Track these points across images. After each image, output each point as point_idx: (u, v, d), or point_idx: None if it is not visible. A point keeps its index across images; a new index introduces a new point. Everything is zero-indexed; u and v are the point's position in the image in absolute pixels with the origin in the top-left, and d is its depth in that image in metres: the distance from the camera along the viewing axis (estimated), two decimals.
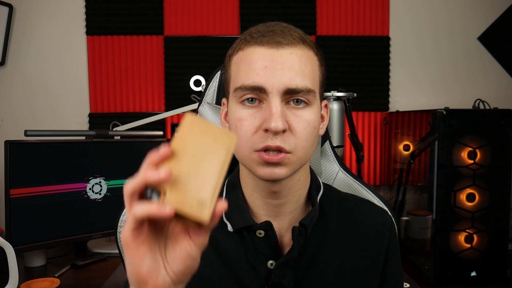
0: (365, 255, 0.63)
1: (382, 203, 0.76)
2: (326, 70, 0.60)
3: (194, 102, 1.57)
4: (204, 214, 0.37)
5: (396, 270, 0.66)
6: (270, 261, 0.58)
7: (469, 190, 1.42)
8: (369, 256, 0.63)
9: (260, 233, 0.58)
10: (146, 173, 0.37)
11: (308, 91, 0.53)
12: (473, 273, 1.44)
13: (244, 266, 0.59)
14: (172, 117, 1.86)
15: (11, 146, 1.26)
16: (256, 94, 0.53)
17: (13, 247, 1.09)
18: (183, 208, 0.37)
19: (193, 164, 0.39)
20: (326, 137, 0.81)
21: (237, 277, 0.59)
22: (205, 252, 0.43)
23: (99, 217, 1.45)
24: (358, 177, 0.80)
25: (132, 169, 0.42)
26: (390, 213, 0.69)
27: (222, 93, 0.77)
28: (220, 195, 0.52)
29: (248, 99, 0.54)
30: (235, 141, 0.41)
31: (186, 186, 0.38)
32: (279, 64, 0.53)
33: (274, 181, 0.55)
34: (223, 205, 0.39)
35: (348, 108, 1.54)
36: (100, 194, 1.45)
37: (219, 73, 0.79)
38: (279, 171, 0.53)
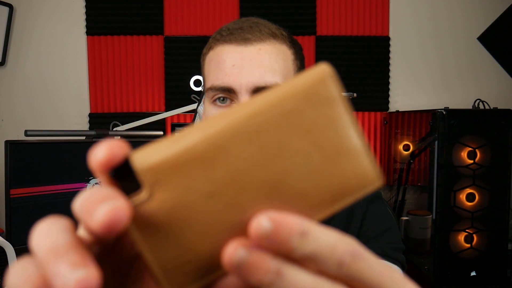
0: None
1: None
2: (303, 63, 0.59)
3: (194, 102, 1.58)
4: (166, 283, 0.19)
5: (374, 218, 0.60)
6: None
7: (469, 190, 1.42)
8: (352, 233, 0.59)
9: None
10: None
11: None
12: (473, 273, 1.44)
13: None
14: (172, 117, 1.86)
15: (11, 146, 1.26)
16: (226, 94, 0.53)
17: (13, 247, 1.09)
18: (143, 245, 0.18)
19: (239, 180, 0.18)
20: None
21: None
22: None
23: None
24: None
25: None
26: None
27: None
28: None
29: (219, 98, 0.54)
30: (375, 185, 0.20)
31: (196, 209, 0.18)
32: (247, 62, 0.52)
33: None
34: None
35: None
36: None
37: None
38: None
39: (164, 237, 0.18)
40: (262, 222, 0.17)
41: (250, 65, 0.52)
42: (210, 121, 0.19)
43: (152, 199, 0.18)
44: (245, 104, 0.19)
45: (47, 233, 0.18)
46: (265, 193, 0.19)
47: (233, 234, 0.19)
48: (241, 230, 0.19)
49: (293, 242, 0.17)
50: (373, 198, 0.62)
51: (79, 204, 0.18)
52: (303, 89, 0.19)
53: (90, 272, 0.16)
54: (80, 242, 0.18)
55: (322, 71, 0.19)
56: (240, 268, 0.17)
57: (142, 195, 0.18)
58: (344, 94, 0.20)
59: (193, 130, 0.19)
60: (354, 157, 0.19)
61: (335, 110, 0.19)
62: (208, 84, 0.55)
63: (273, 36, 0.54)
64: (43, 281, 0.17)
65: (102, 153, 0.18)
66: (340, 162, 0.19)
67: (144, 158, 0.18)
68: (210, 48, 0.56)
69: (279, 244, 0.17)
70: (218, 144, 0.18)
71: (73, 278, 0.16)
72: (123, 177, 0.19)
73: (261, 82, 0.51)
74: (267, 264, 0.17)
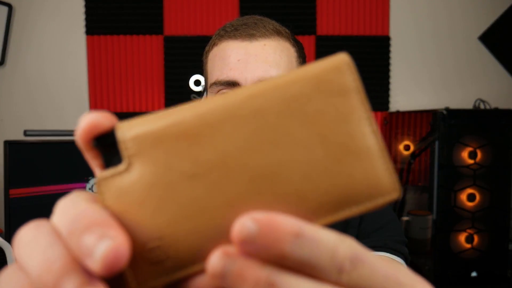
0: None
1: None
2: (305, 61, 0.59)
3: None
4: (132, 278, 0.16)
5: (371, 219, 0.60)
6: None
7: (469, 190, 1.42)
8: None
9: None
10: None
11: None
12: (474, 273, 1.43)
13: None
14: None
15: (11, 146, 1.25)
16: (231, 88, 0.53)
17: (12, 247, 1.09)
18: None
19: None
20: None
21: None
22: None
23: None
24: None
25: None
26: None
27: None
28: None
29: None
30: (389, 197, 0.17)
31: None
32: (253, 57, 0.52)
33: None
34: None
35: None
36: None
37: None
38: None
39: (136, 215, 0.16)
40: (246, 223, 0.15)
41: (255, 60, 0.52)
42: (206, 100, 0.17)
43: (129, 172, 0.17)
44: (248, 86, 0.17)
45: (69, 207, 0.18)
46: (254, 186, 0.16)
47: (213, 230, 0.16)
48: (222, 228, 0.16)
49: (285, 245, 0.15)
50: None
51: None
52: (313, 75, 0.17)
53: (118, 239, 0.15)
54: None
55: (339, 59, 0.17)
56: (225, 280, 0.15)
57: (119, 167, 0.17)
58: (362, 87, 0.17)
59: (185, 106, 0.17)
60: (366, 158, 0.17)
61: (348, 102, 0.17)
62: (212, 80, 0.54)
63: (278, 33, 0.54)
64: (70, 256, 0.15)
65: (85, 121, 0.17)
66: (349, 162, 0.17)
67: (128, 129, 0.17)
68: (214, 44, 0.56)
69: (269, 248, 0.15)
70: (209, 122, 0.17)
71: (102, 247, 0.14)
72: (108, 149, 0.17)
73: (266, 76, 0.52)
74: (255, 273, 0.15)
